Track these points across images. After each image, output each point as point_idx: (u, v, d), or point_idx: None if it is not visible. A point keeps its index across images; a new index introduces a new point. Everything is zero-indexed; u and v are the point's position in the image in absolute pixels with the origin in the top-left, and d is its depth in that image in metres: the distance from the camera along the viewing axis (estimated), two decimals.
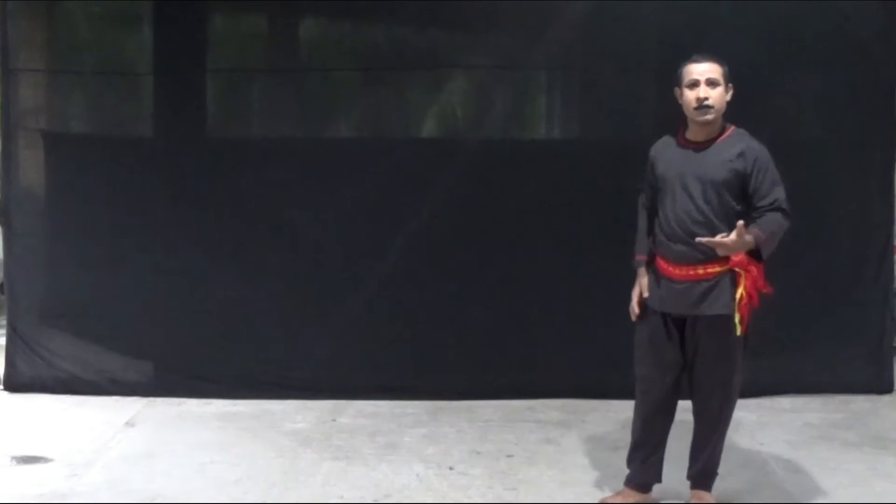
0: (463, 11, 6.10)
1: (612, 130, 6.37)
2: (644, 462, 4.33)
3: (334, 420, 5.67)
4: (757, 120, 5.81)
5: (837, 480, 4.70)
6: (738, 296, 4.01)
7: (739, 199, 4.06)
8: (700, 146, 4.11)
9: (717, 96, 4.06)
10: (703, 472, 4.30)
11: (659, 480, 4.37)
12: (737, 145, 4.07)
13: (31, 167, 6.25)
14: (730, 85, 4.12)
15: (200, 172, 6.10)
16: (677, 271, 4.10)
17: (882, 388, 6.17)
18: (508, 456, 5.05)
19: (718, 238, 3.95)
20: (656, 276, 4.20)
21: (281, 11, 6.48)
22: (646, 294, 4.23)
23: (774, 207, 4.03)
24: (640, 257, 4.33)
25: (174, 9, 6.11)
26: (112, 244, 6.06)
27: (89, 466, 4.83)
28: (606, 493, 4.48)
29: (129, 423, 5.55)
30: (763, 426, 5.52)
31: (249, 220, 6.06)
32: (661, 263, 4.17)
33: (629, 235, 5.92)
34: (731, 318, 4.01)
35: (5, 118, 6.13)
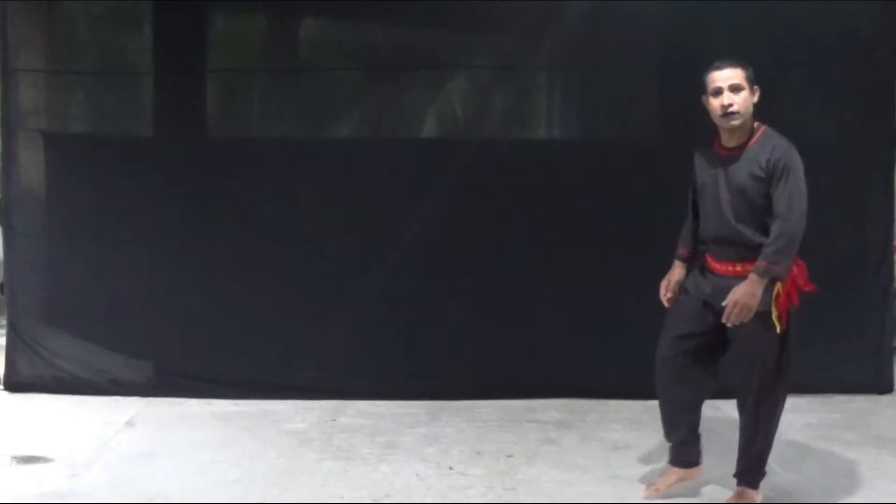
0: (463, 11, 6.10)
1: (612, 130, 6.37)
2: (681, 444, 4.40)
3: (334, 420, 5.67)
4: (757, 119, 5.85)
5: (837, 480, 4.70)
6: (774, 293, 4.06)
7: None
8: (732, 152, 4.19)
9: (741, 101, 4.12)
10: (745, 469, 4.32)
11: (698, 461, 4.42)
12: (765, 151, 4.11)
13: (31, 167, 6.24)
14: (755, 87, 4.15)
15: (200, 172, 6.10)
16: (720, 266, 4.22)
17: (882, 388, 6.17)
18: (508, 456, 5.05)
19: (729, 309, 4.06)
20: (701, 268, 4.32)
21: (281, 11, 6.48)
22: (671, 288, 4.40)
23: (778, 216, 4.04)
24: (680, 251, 4.48)
25: (174, 9, 6.11)
26: (112, 244, 6.05)
27: (89, 466, 4.82)
28: (605, 494, 4.48)
29: (129, 423, 5.55)
30: None
31: (249, 220, 6.06)
32: (708, 256, 4.30)
33: (629, 235, 5.95)
34: (765, 314, 4.07)
35: (5, 118, 6.12)
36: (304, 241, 6.04)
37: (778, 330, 4.08)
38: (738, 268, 4.15)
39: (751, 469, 4.31)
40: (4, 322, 6.37)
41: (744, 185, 4.11)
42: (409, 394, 5.98)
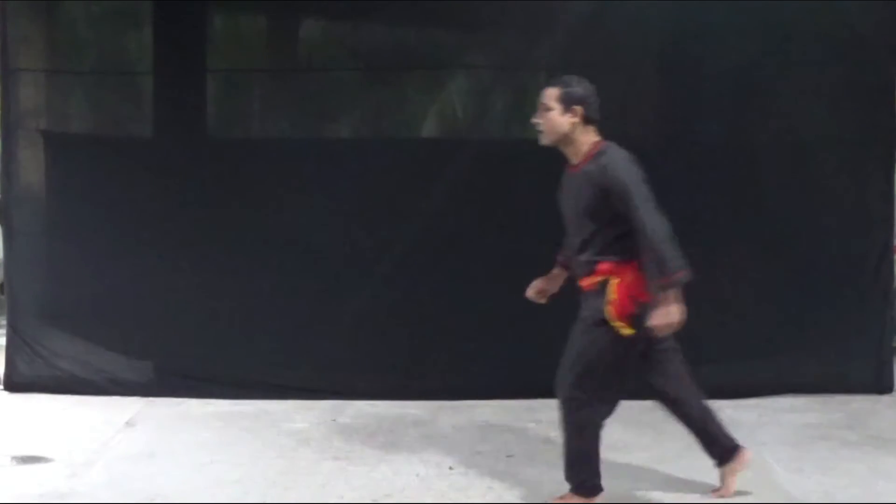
0: (463, 11, 6.11)
1: (611, 130, 6.35)
2: (709, 447, 4.46)
3: (334, 420, 5.67)
4: (757, 119, 5.84)
5: (837, 480, 4.70)
6: (608, 301, 4.09)
7: (609, 221, 4.09)
8: (572, 170, 4.25)
9: (545, 121, 4.20)
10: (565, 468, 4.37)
11: (734, 448, 4.43)
12: (597, 167, 4.12)
13: (31, 167, 6.26)
14: (575, 107, 4.18)
15: (200, 172, 6.11)
16: (581, 282, 4.26)
17: (882, 388, 6.17)
18: (508, 456, 5.05)
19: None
20: None
21: (281, 11, 6.49)
22: None
23: (641, 232, 4.00)
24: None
25: (174, 9, 6.11)
26: (112, 244, 6.06)
27: (89, 466, 4.83)
28: (606, 494, 4.48)
29: (129, 423, 5.55)
30: (763, 426, 5.51)
31: (249, 220, 6.07)
32: None
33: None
34: (596, 320, 4.12)
35: (5, 118, 6.14)
36: (304, 241, 6.04)
37: (627, 332, 4.08)
38: (585, 282, 4.19)
39: (567, 468, 4.35)
40: (4, 322, 6.37)
41: (579, 202, 4.13)
42: (409, 394, 5.98)
